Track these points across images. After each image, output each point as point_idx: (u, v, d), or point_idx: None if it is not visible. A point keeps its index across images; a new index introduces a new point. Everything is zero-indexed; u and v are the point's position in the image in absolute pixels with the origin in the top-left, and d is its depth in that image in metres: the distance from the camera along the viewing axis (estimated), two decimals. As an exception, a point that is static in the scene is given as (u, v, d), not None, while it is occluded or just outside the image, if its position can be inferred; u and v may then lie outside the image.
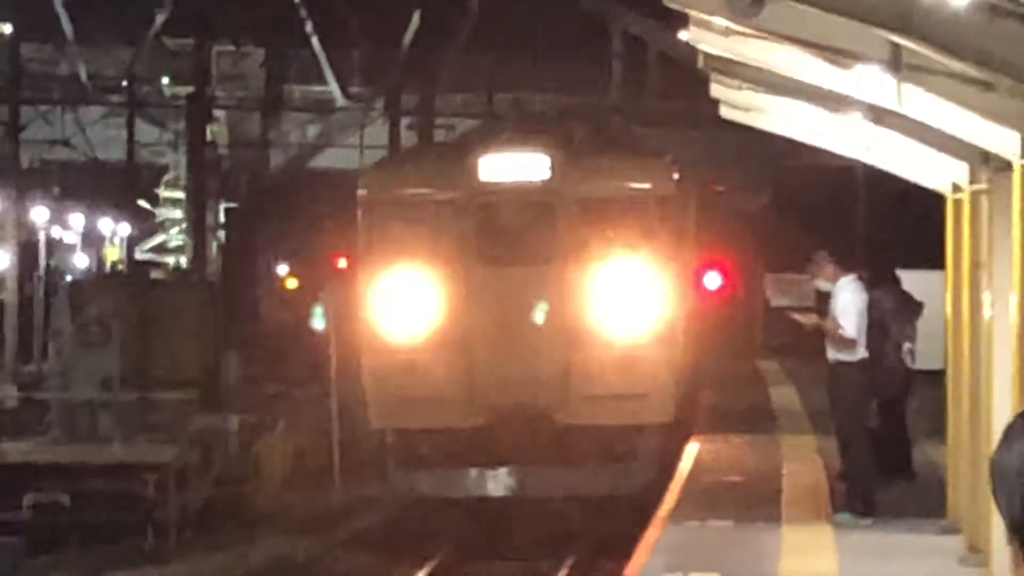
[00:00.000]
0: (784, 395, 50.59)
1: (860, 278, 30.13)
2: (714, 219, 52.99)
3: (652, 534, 29.03)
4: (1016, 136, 20.83)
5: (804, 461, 40.53)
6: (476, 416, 25.42)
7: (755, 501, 34.71)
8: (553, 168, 26.14)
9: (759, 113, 34.13)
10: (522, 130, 29.26)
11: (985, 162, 24.55)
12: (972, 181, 26.78)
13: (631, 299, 26.61)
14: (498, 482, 25.87)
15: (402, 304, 26.33)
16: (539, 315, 28.15)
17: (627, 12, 49.63)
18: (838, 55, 22.09)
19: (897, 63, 20.50)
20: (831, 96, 25.89)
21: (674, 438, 29.86)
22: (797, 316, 39.68)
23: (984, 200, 25.03)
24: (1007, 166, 23.25)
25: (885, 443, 32.67)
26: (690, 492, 36.68)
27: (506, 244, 27.01)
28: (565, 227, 26.50)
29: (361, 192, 27.08)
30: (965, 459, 27.43)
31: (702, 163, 52.54)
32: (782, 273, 55.68)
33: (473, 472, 25.90)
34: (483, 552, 26.39)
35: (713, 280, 52.67)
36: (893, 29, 18.89)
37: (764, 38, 22.49)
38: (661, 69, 50.68)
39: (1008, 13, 17.18)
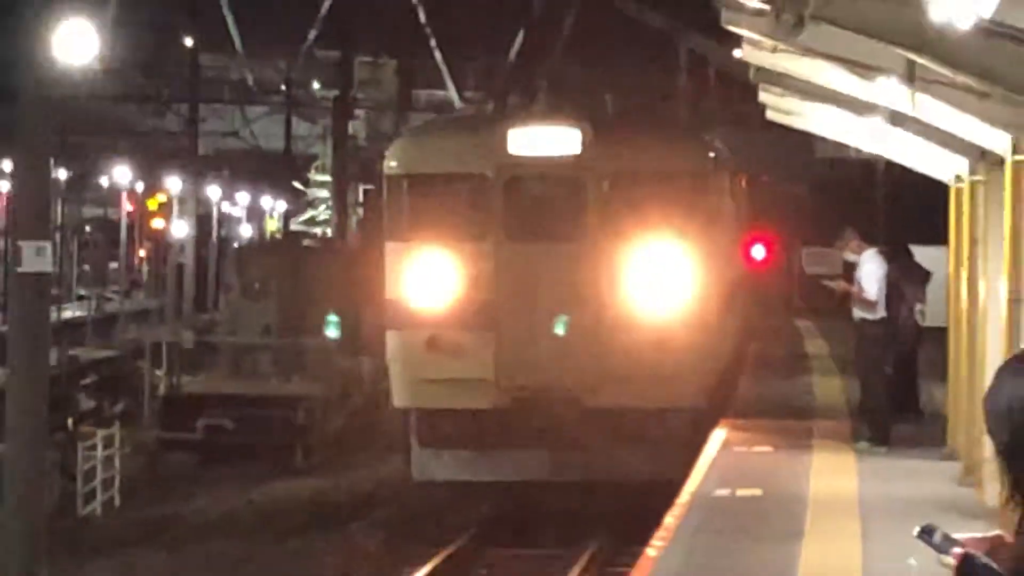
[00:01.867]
0: (816, 346, 50.36)
1: (880, 251, 30.60)
2: (762, 203, 52.42)
3: (707, 457, 27.62)
4: (1007, 137, 21.00)
5: (831, 399, 39.12)
6: (501, 398, 21.14)
7: (790, 431, 33.35)
8: (584, 142, 21.63)
9: (798, 116, 34.80)
10: (553, 103, 24.30)
11: (982, 158, 24.43)
12: (971, 173, 26.99)
13: (663, 279, 21.57)
14: (523, 465, 21.52)
15: (427, 281, 21.72)
16: (560, 328, 22.82)
17: (692, 33, 47.25)
18: (864, 69, 22.09)
19: (912, 76, 20.66)
20: (857, 102, 25.54)
21: (707, 424, 24.61)
22: (828, 282, 39.58)
23: (980, 189, 24.95)
24: (1000, 162, 23.23)
25: (898, 386, 32.93)
26: (737, 422, 34.29)
27: (534, 220, 22.38)
28: (595, 203, 21.87)
29: (386, 165, 22.63)
30: (963, 399, 27.14)
31: (752, 158, 51.78)
32: (815, 247, 56.36)
33: (497, 455, 21.55)
34: (506, 536, 22.62)
35: (759, 252, 51.85)
36: (909, 48, 18.68)
37: (804, 55, 22.60)
38: (719, 80, 49.57)
39: (1002, 34, 17.01)
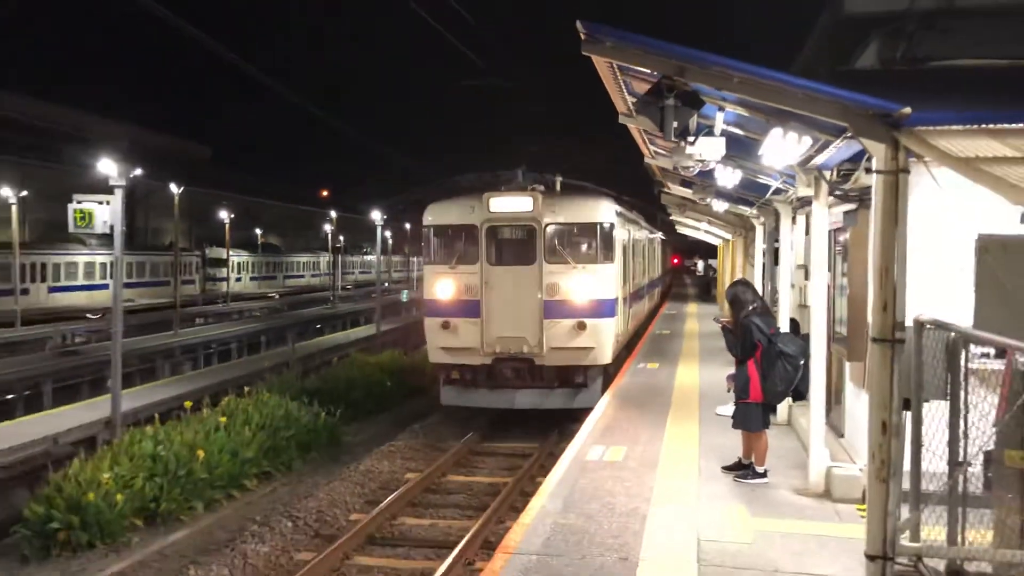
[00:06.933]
0: (689, 284, 56.42)
1: (704, 262, 43.02)
2: (676, 248, 59.67)
3: (641, 343, 23.55)
4: (730, 236, 27.78)
5: (693, 293, 48.63)
6: (485, 359, 19.47)
7: (682, 299, 42.63)
8: (534, 204, 19.79)
9: (684, 230, 38.49)
10: (520, 183, 21.53)
11: (725, 241, 31.38)
12: (723, 243, 33.49)
13: (584, 288, 19.31)
14: (499, 399, 19.65)
15: (443, 289, 20.03)
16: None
17: (660, 212, 53.27)
18: (697, 220, 28.41)
19: (711, 222, 27.28)
20: (696, 227, 33.60)
21: (613, 372, 20.96)
22: (693, 268, 58.94)
23: (728, 246, 31.08)
24: (729, 241, 29.38)
25: (706, 289, 44.33)
26: (666, 301, 40.34)
27: (506, 252, 20.26)
28: (542, 242, 19.67)
29: (424, 220, 20.85)
30: (720, 292, 31.77)
31: (678, 242, 58.36)
32: (688, 260, 68.48)
33: (485, 391, 19.68)
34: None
35: (675, 261, 59.79)
36: (708, 217, 25.19)
37: (684, 217, 28.41)
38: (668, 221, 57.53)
39: (731, 213, 20.52)
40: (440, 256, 18.05)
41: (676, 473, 9.73)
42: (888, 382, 5.07)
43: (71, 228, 16.17)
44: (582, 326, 17.67)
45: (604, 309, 18.17)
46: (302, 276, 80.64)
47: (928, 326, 4.95)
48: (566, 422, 17.06)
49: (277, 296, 63.44)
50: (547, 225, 17.81)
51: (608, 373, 17.79)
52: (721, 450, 10.71)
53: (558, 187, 18.74)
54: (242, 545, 11.12)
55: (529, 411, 17.71)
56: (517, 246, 18.14)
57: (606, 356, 17.49)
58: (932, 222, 7.01)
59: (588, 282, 17.53)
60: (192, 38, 17.54)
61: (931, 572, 5.05)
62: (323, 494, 13.47)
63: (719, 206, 18.79)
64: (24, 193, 37.44)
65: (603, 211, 17.83)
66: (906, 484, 5.14)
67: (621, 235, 18.90)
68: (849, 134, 6.05)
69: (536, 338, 17.61)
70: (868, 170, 6.85)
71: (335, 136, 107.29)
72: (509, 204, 18.42)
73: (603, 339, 17.48)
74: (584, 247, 17.74)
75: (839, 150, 7.16)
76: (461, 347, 17.78)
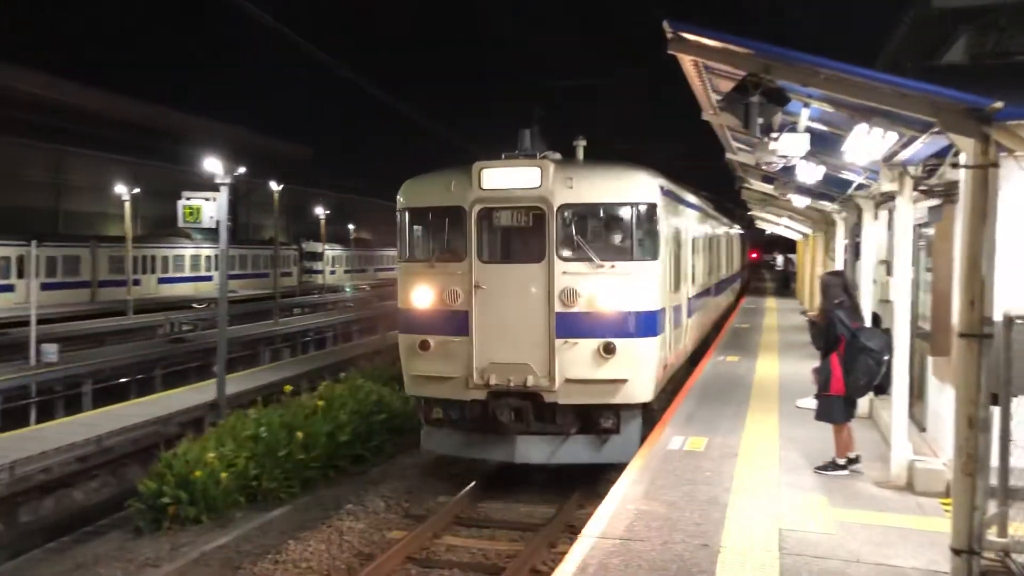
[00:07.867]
0: (767, 279, 56.67)
1: (783, 255, 47.40)
2: (753, 244, 56.16)
3: (720, 337, 21.85)
4: (810, 231, 27.79)
5: (771, 287, 46.99)
6: (477, 392, 12.47)
7: (760, 293, 41.81)
8: (544, 178, 12.37)
9: (762, 224, 38.23)
10: (526, 150, 13.19)
11: (804, 236, 31.12)
12: (803, 238, 32.90)
13: (613, 295, 12.14)
14: (496, 449, 12.67)
15: (422, 295, 12.84)
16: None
17: (737, 209, 47.49)
18: (776, 215, 28.31)
19: (791, 218, 27.27)
20: (776, 223, 33.10)
21: (661, 407, 13.74)
22: (771, 262, 58.45)
23: (808, 241, 30.53)
24: (808, 236, 29.07)
25: (785, 284, 43.15)
26: (747, 293, 39.99)
27: (504, 244, 13.00)
28: (554, 230, 12.37)
29: (397, 201, 13.32)
30: (804, 286, 31.95)
31: (755, 238, 55.38)
32: (766, 254, 66.77)
33: (477, 437, 12.74)
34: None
35: (753, 255, 57.71)
36: (786, 211, 25.09)
37: (764, 212, 28.43)
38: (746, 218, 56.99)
39: (811, 208, 20.12)
40: (417, 250, 12.88)
41: (756, 464, 9.53)
42: (975, 377, 4.86)
43: (180, 223, 16.36)
44: (610, 349, 12.01)
45: (643, 325, 12.46)
46: (391, 269, 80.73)
47: (1018, 321, 4.77)
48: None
49: (368, 288, 64.29)
50: (561, 207, 12.20)
51: (650, 412, 12.41)
52: (801, 442, 10.45)
53: (580, 155, 13.36)
54: (338, 522, 11.20)
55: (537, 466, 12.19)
56: (520, 236, 12.69)
57: (645, 391, 12.00)
58: (1021, 217, 6.78)
59: (620, 287, 12.06)
60: (305, 50, 16.27)
61: (1019, 568, 4.85)
62: (413, 476, 13.53)
63: (800, 201, 18.23)
64: (136, 190, 39.43)
65: (642, 187, 12.26)
66: (993, 479, 4.93)
67: (672, 221, 13.69)
68: (936, 129, 5.90)
69: (544, 365, 12.06)
70: (955, 165, 6.78)
71: (424, 136, 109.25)
72: (509, 178, 12.61)
73: (641, 367, 12.06)
74: (615, 238, 12.34)
75: (925, 145, 6.93)
76: (443, 376, 12.45)
